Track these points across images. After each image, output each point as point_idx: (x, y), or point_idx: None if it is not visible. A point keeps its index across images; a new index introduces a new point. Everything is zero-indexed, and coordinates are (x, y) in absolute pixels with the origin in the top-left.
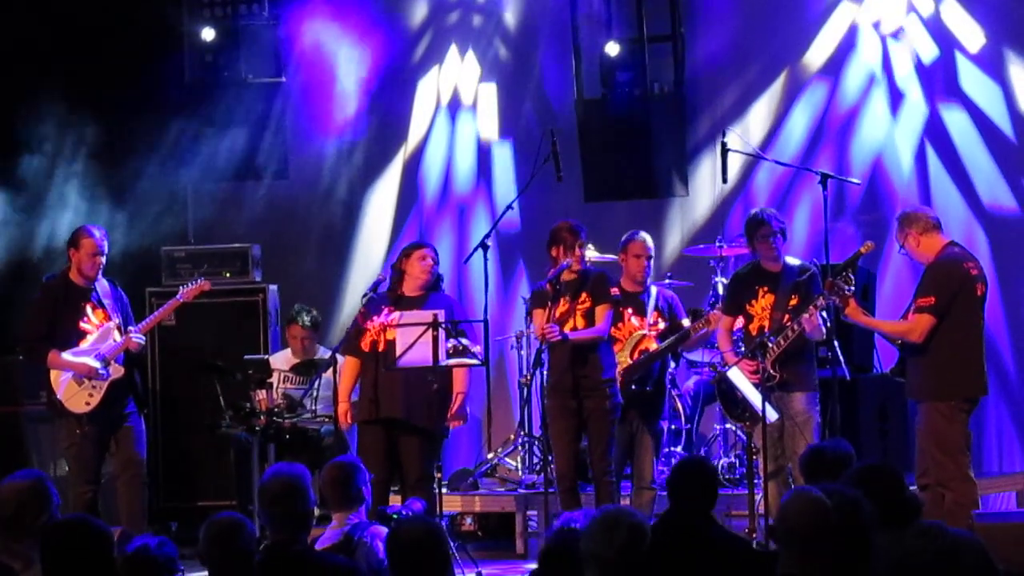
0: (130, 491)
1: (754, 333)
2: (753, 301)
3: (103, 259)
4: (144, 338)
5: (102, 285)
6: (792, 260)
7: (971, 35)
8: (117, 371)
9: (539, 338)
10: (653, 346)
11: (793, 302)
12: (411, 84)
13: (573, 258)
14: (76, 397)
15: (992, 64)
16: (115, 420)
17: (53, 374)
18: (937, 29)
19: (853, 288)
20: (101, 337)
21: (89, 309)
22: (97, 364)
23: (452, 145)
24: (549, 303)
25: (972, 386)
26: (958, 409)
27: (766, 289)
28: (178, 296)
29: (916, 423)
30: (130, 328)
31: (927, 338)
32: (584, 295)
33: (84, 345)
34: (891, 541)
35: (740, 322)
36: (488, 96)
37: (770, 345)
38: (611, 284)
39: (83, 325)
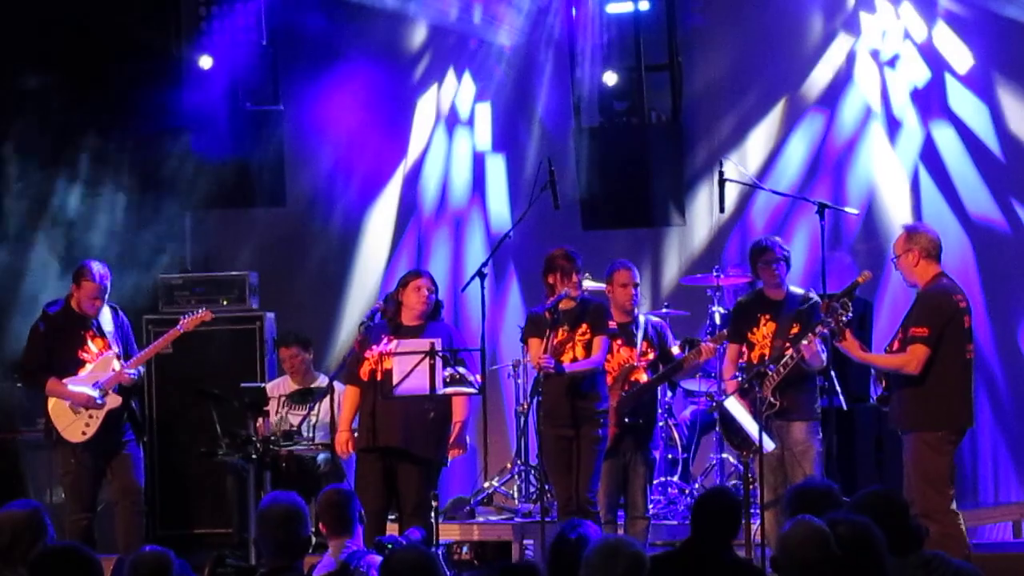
0: (128, 519)
1: (755, 361)
2: (755, 329)
3: (102, 301)
4: (136, 372)
5: (103, 312)
6: (795, 289)
7: (960, 57)
8: (114, 400)
9: (536, 367)
10: (643, 378)
11: (794, 330)
12: (410, 103)
13: (571, 286)
14: (73, 426)
15: (981, 85)
16: (112, 448)
17: (51, 402)
18: (929, 53)
19: (851, 315)
20: (100, 366)
21: (89, 338)
22: (95, 393)
23: (448, 163)
24: (548, 331)
25: (959, 417)
26: (946, 440)
27: (768, 317)
28: (178, 326)
29: (904, 453)
30: (127, 357)
31: (923, 368)
32: (584, 325)
33: (83, 374)
34: (893, 569)
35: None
36: (484, 114)
37: (770, 373)
38: (609, 316)
39: (82, 354)
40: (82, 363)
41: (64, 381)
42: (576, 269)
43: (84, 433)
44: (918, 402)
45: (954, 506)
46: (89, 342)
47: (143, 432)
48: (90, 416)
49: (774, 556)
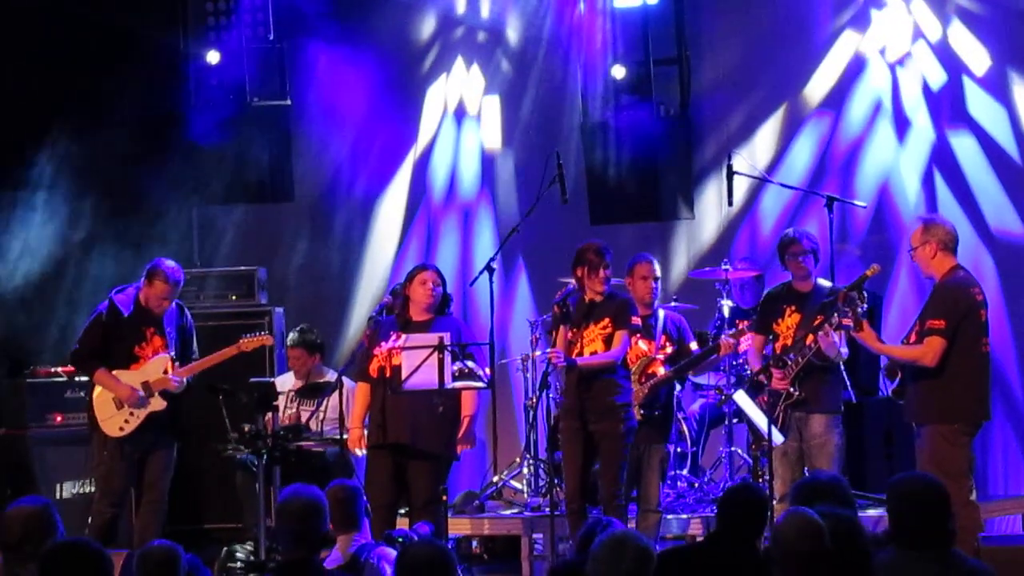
0: (148, 515)
1: (778, 351)
2: (780, 320)
3: (171, 303)
4: (183, 381)
5: (170, 310)
6: (823, 282)
7: (977, 58)
8: (158, 404)
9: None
10: (660, 370)
11: (818, 322)
12: (419, 94)
13: (597, 282)
14: (112, 420)
15: (998, 86)
16: (148, 447)
17: (96, 391)
18: (944, 54)
19: (866, 306)
20: (153, 366)
21: (149, 334)
22: (140, 393)
23: (457, 158)
24: (559, 325)
25: (975, 410)
26: (961, 432)
27: (793, 308)
28: (237, 344)
29: (917, 446)
30: (175, 370)
31: (939, 361)
32: (607, 320)
33: (135, 370)
34: (908, 564)
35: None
36: (492, 107)
37: (789, 363)
38: (634, 312)
39: (138, 350)
40: (136, 358)
41: (114, 373)
42: (604, 265)
43: (122, 429)
44: (934, 395)
45: (973, 497)
46: (148, 339)
47: (179, 436)
48: (131, 414)
49: (767, 547)
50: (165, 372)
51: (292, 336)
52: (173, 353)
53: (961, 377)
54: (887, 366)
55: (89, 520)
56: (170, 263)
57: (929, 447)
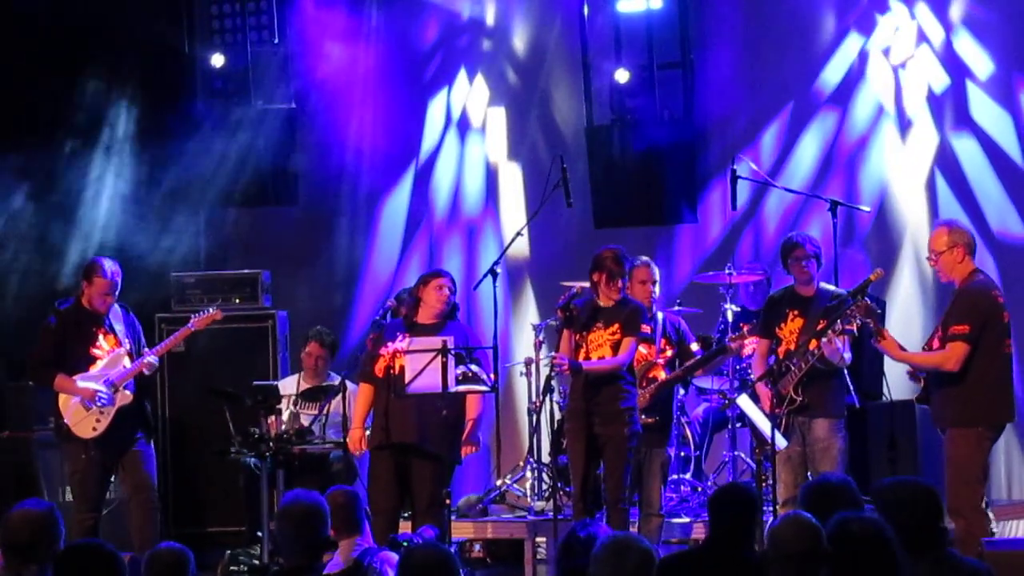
0: (141, 515)
1: (781, 356)
2: (782, 324)
3: (113, 298)
4: (158, 361)
5: (114, 310)
6: (827, 286)
7: (981, 63)
8: (125, 398)
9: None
10: (661, 374)
11: (821, 327)
12: (421, 104)
13: (614, 290)
14: (83, 422)
15: (1001, 91)
16: (122, 446)
17: (61, 399)
18: (948, 58)
19: (862, 321)
20: (111, 363)
21: (100, 335)
22: (104, 389)
23: (461, 166)
24: (563, 329)
25: (999, 412)
26: (983, 436)
27: (796, 313)
28: (189, 324)
29: (945, 451)
30: (144, 349)
31: (962, 366)
32: (617, 325)
33: (94, 370)
34: (906, 568)
35: None
36: (497, 119)
37: (792, 368)
38: (645, 320)
39: (94, 351)
40: (93, 360)
41: (73, 377)
42: (623, 274)
43: (95, 429)
44: (959, 399)
45: (983, 504)
46: (100, 339)
47: (152, 431)
48: (101, 412)
49: (763, 550)
50: (124, 366)
51: (322, 337)
52: (128, 347)
53: (986, 380)
54: (908, 372)
55: (72, 529)
56: (107, 260)
57: (951, 450)
